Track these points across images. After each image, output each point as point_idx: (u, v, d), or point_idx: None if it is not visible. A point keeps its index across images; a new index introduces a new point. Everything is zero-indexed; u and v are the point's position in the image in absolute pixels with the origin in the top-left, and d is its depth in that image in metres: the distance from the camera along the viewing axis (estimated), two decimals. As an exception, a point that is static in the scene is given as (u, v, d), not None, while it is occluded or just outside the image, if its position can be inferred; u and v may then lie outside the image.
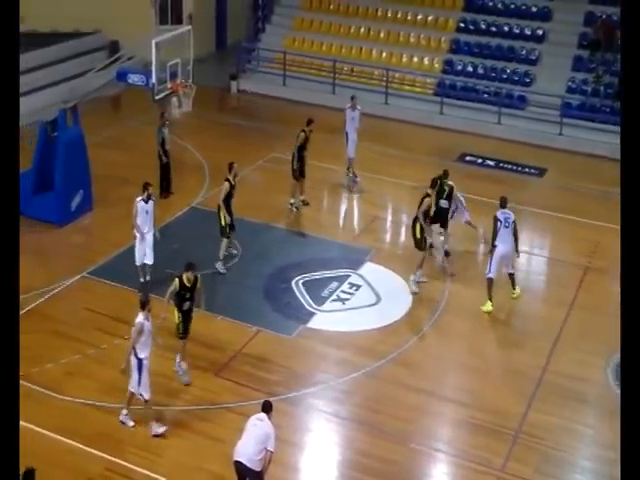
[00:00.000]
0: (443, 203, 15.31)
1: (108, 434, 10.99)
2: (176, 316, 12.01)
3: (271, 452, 9.22)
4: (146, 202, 14.06)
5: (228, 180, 14.77)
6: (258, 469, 9.25)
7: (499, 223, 13.99)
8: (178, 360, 12.15)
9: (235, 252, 15.47)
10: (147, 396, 10.86)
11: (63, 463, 10.43)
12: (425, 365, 12.83)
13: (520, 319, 14.20)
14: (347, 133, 18.60)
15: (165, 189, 17.64)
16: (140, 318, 10.80)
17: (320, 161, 19.06)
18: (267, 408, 9.47)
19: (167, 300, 11.85)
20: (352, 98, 18.83)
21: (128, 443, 10.86)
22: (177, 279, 11.88)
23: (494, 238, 14.01)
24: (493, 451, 11.01)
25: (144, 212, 14.04)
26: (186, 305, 11.95)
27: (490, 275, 13.98)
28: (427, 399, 12.02)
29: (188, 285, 11.87)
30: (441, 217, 15.37)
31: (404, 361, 12.79)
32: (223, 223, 14.76)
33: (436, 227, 15.41)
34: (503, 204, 14.25)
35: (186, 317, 12.06)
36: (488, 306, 14.02)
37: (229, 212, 14.73)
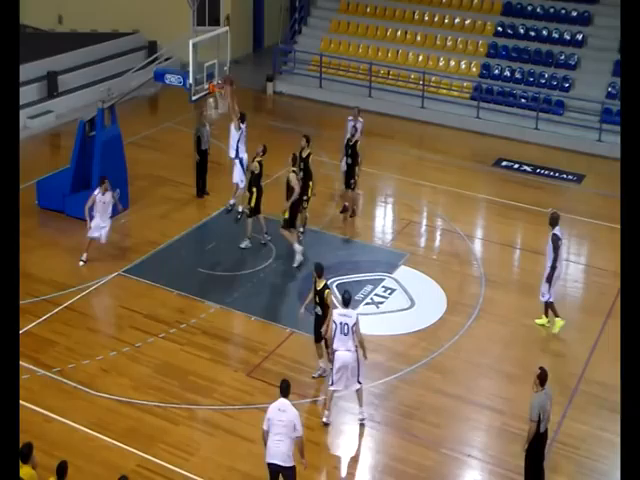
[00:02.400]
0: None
1: (141, 431, 11.06)
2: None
3: (301, 437, 9.23)
4: (103, 194, 14.68)
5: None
6: (293, 464, 9.32)
7: (560, 242, 13.18)
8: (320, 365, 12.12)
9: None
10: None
11: (96, 458, 10.50)
12: (459, 371, 12.72)
13: (556, 326, 14.01)
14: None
15: (201, 189, 17.73)
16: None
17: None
18: (287, 391, 9.35)
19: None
20: (354, 109, 17.68)
21: (160, 440, 10.90)
22: (314, 277, 11.75)
23: (556, 258, 13.19)
24: (527, 459, 10.88)
25: (101, 203, 14.73)
26: (317, 309, 11.72)
27: (551, 299, 13.40)
28: (461, 405, 11.92)
29: (317, 288, 11.63)
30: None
31: (438, 366, 12.70)
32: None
33: None
34: (557, 221, 13.32)
35: (315, 321, 11.81)
36: (560, 322, 13.48)
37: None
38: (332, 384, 11.15)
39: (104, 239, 14.79)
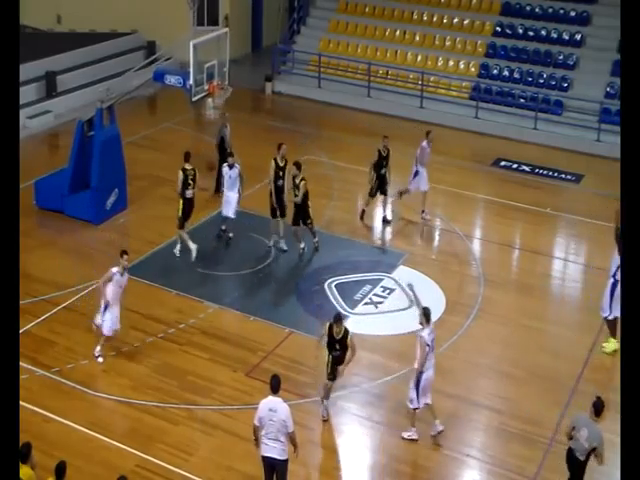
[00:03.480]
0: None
1: (140, 431, 11.06)
2: (326, 357, 11.37)
3: (293, 432, 9.24)
4: (122, 275, 12.29)
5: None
6: (287, 457, 9.40)
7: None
8: (322, 402, 11.56)
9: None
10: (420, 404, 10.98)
11: (95, 458, 10.50)
12: (458, 371, 12.71)
13: (555, 326, 14.00)
14: (418, 170, 17.12)
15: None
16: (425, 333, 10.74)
17: (354, 164, 19.06)
18: (277, 388, 9.23)
19: (319, 341, 11.42)
20: (428, 133, 17.04)
21: (159, 440, 10.89)
22: (327, 325, 11.19)
23: (617, 272, 12.46)
24: (527, 459, 10.88)
25: (117, 286, 12.27)
26: (335, 353, 11.16)
27: (611, 316, 12.84)
28: (460, 405, 11.92)
29: (337, 337, 11.03)
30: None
31: (437, 366, 12.51)
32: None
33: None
34: None
35: (334, 362, 11.28)
36: (613, 344, 13.00)
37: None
38: (419, 405, 10.94)
39: (111, 332, 12.34)
